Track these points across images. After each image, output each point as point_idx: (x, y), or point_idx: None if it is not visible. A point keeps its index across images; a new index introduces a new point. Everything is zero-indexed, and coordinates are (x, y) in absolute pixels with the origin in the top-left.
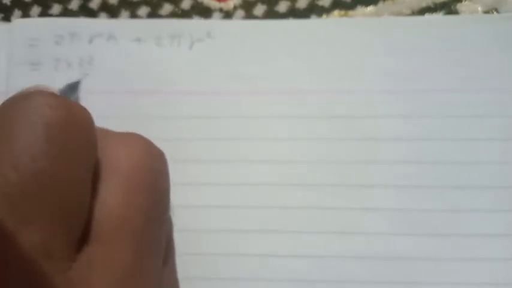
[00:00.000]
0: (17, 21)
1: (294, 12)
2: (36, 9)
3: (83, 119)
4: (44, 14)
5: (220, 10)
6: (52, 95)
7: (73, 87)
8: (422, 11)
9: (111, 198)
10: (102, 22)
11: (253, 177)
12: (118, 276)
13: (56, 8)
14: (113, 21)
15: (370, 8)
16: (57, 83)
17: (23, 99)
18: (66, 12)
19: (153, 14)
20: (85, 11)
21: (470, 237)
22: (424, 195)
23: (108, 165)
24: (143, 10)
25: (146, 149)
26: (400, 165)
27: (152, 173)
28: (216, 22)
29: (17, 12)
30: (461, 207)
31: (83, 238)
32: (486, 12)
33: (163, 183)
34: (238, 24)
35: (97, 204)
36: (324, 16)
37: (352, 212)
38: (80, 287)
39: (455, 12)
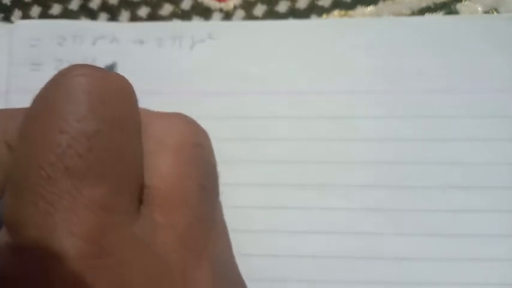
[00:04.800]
0: (19, 22)
1: (294, 12)
2: (36, 9)
3: (122, 84)
4: (44, 14)
5: (220, 10)
6: (86, 65)
7: (110, 70)
8: (422, 11)
9: (164, 167)
10: (104, 25)
11: (253, 178)
12: (181, 238)
13: (56, 8)
14: (115, 24)
15: (370, 8)
16: None
17: (59, 74)
18: (66, 12)
19: (153, 14)
20: (85, 11)
21: (470, 237)
22: (424, 195)
23: (155, 137)
24: (143, 10)
25: (191, 125)
26: (400, 165)
27: (199, 147)
28: (216, 23)
29: (17, 12)
30: (461, 207)
31: (140, 201)
32: (486, 12)
33: (210, 158)
34: (239, 25)
35: (150, 172)
36: (324, 16)
37: (352, 212)
38: (144, 244)
39: (455, 12)
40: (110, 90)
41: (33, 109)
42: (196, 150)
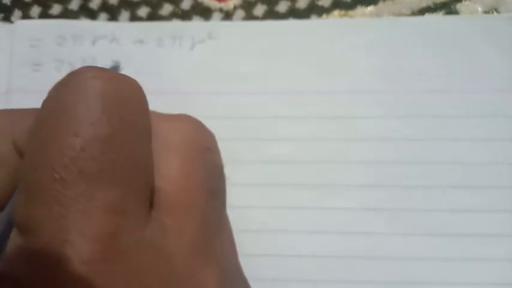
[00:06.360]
0: (19, 22)
1: (294, 12)
2: (36, 9)
3: (133, 86)
4: (44, 14)
5: (220, 10)
6: (97, 67)
7: (115, 70)
8: (422, 11)
9: (172, 170)
10: (104, 25)
11: (253, 178)
12: (190, 242)
13: (56, 8)
14: (115, 24)
15: (370, 8)
16: None
17: (72, 75)
18: (66, 13)
19: (153, 14)
20: (85, 11)
21: (470, 237)
22: (424, 195)
23: (162, 140)
24: (143, 10)
25: (198, 127)
26: (400, 165)
27: (206, 149)
28: (217, 23)
29: (17, 12)
30: (461, 207)
31: (151, 204)
32: (486, 12)
33: (218, 160)
34: (239, 25)
35: (159, 174)
36: (324, 16)
37: (352, 212)
38: (155, 247)
39: (455, 12)
40: (123, 93)
41: (45, 110)
42: (204, 153)
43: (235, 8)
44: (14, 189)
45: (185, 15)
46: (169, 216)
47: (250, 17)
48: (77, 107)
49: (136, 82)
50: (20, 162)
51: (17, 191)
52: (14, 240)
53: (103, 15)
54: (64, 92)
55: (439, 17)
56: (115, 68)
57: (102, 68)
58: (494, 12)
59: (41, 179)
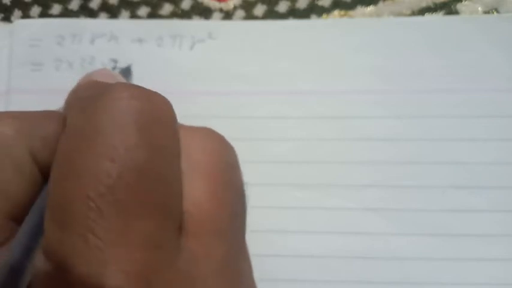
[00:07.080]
0: (19, 22)
1: (294, 12)
2: (36, 9)
3: (166, 108)
4: (44, 14)
5: (220, 10)
6: (133, 86)
7: (127, 72)
8: (422, 11)
9: (198, 192)
10: (104, 23)
11: (252, 178)
12: (219, 269)
13: (56, 8)
14: (114, 22)
15: (370, 8)
16: (58, 84)
17: (105, 92)
18: (66, 12)
19: (153, 14)
20: (85, 11)
21: (470, 237)
22: (424, 195)
23: (187, 158)
24: (143, 10)
25: (221, 143)
26: (400, 165)
27: (230, 167)
28: (217, 23)
29: (17, 12)
30: (461, 207)
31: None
32: (486, 12)
33: (240, 177)
34: (239, 25)
35: (185, 197)
36: (324, 16)
37: (352, 212)
38: (189, 278)
39: (455, 12)
40: (157, 115)
41: (75, 131)
42: (229, 173)
43: (235, 8)
44: (31, 198)
45: (185, 15)
46: (198, 242)
47: (250, 17)
48: (112, 130)
49: (168, 101)
50: (48, 185)
51: (46, 215)
52: (43, 266)
53: (103, 15)
54: (97, 113)
55: (439, 17)
56: (127, 71)
57: (136, 86)
58: (494, 12)
59: (74, 207)
